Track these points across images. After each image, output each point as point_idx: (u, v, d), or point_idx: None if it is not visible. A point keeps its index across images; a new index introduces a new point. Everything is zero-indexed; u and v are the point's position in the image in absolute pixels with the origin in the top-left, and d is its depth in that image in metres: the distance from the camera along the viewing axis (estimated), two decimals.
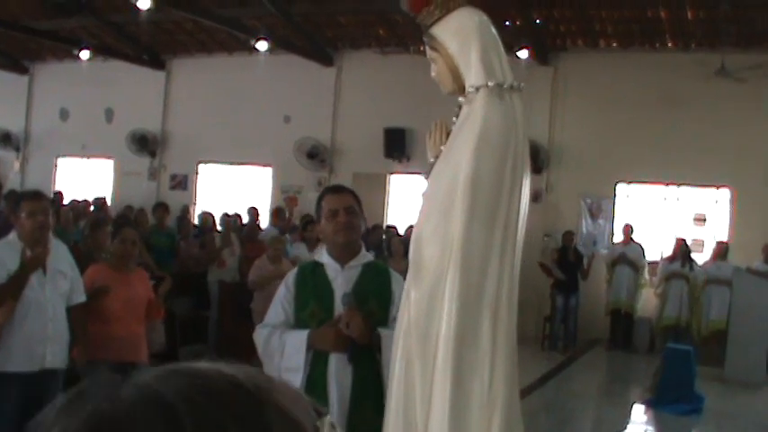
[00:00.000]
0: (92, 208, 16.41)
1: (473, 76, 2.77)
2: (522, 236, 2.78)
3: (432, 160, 2.97)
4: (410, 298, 2.73)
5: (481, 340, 2.63)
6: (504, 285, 2.68)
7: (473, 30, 2.82)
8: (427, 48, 2.93)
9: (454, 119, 2.86)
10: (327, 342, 3.71)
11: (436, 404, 2.63)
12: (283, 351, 3.76)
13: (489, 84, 2.73)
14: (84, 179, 20.42)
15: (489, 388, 2.63)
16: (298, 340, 3.76)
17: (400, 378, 2.72)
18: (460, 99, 2.84)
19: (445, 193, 2.70)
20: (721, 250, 13.93)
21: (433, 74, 2.95)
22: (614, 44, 15.79)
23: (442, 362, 2.61)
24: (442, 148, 2.88)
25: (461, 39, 2.82)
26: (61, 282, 5.62)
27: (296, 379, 3.68)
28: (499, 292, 2.67)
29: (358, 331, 3.60)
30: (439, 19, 2.88)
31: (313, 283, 3.92)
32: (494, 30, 2.87)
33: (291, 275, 4.06)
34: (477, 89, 2.74)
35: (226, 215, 14.61)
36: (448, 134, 2.90)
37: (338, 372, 3.69)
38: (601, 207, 15.77)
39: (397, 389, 2.75)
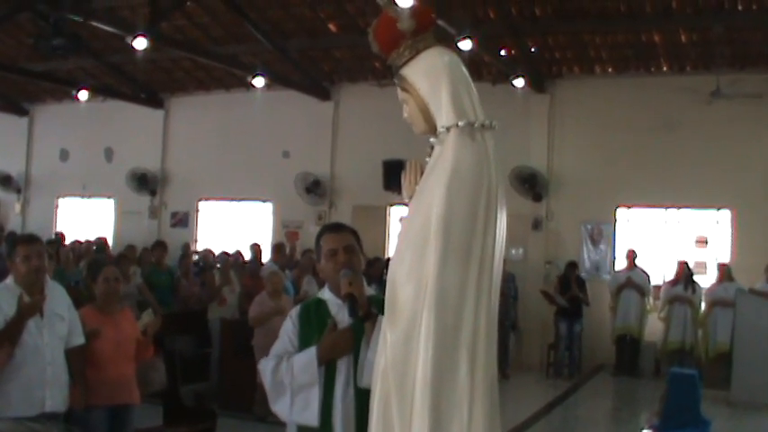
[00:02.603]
0: (94, 248, 16.43)
1: (444, 116, 2.77)
2: (499, 273, 2.77)
3: (407, 200, 2.98)
4: (386, 340, 2.72)
5: (459, 380, 2.61)
6: (480, 323, 2.66)
7: (443, 69, 2.83)
8: (398, 89, 2.93)
9: (427, 159, 2.87)
10: (335, 344, 3.73)
11: None
12: (293, 370, 3.74)
13: (460, 123, 2.73)
14: (86, 219, 20.46)
15: (468, 428, 2.61)
16: (307, 355, 3.76)
17: (378, 420, 2.71)
18: (432, 139, 2.85)
19: (418, 233, 2.70)
20: (724, 272, 13.89)
21: (405, 115, 2.96)
22: (609, 69, 15.86)
23: (419, 403, 2.59)
24: (417, 188, 2.89)
25: (431, 79, 2.82)
26: (59, 325, 5.60)
27: (312, 396, 3.69)
28: (476, 330, 2.65)
29: (360, 289, 3.64)
30: (409, 60, 2.88)
31: (317, 320, 3.91)
32: (464, 68, 2.88)
33: (296, 311, 4.06)
34: (449, 129, 2.74)
35: (224, 253, 14.63)
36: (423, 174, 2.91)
37: (343, 402, 3.70)
38: (602, 232, 15.76)
39: (376, 431, 2.74)
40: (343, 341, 3.73)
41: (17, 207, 21.30)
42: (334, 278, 3.86)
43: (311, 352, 3.75)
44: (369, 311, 3.58)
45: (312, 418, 3.69)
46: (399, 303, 2.69)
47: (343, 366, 3.74)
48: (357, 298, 3.58)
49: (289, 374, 3.75)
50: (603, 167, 15.46)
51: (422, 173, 2.92)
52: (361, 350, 3.61)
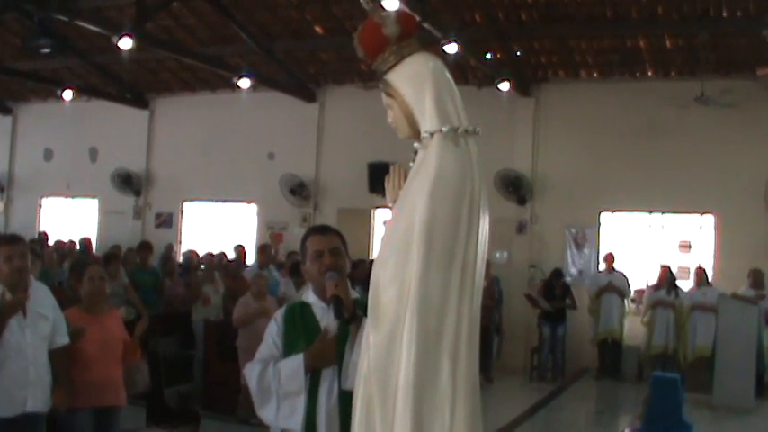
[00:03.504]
0: (78, 248, 16.36)
1: (427, 121, 2.78)
2: (481, 278, 2.78)
3: (391, 205, 2.98)
4: (369, 343, 2.73)
5: (441, 383, 2.62)
6: (462, 328, 2.67)
7: (427, 75, 2.83)
8: (383, 94, 2.94)
9: (411, 164, 2.88)
10: (323, 353, 3.74)
11: None
12: (280, 377, 3.75)
13: (443, 129, 2.73)
14: (69, 219, 20.38)
15: (450, 431, 2.62)
16: (294, 363, 3.76)
17: (361, 423, 2.72)
18: (416, 145, 2.86)
19: (401, 237, 2.70)
20: (701, 276, 13.97)
21: (389, 120, 2.97)
22: (595, 74, 15.92)
23: (401, 407, 2.60)
24: (401, 192, 2.89)
25: (416, 84, 2.82)
26: (42, 324, 5.58)
27: (298, 403, 3.71)
28: (458, 334, 2.66)
29: (346, 292, 3.65)
30: (394, 65, 2.89)
31: (302, 323, 3.92)
32: (448, 74, 2.88)
33: (280, 313, 4.06)
34: (432, 134, 2.75)
35: (209, 254, 14.61)
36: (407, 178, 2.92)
37: (327, 406, 3.70)
38: (585, 236, 15.80)
39: None
40: (330, 350, 3.73)
41: (0, 206, 21.21)
42: (319, 280, 3.86)
43: (299, 359, 3.75)
44: (354, 313, 3.58)
45: (297, 425, 3.70)
46: (382, 306, 2.70)
47: (328, 371, 3.75)
48: (343, 300, 3.59)
49: (275, 381, 3.75)
50: (588, 171, 15.51)
51: (405, 177, 2.93)
52: (345, 353, 3.62)
